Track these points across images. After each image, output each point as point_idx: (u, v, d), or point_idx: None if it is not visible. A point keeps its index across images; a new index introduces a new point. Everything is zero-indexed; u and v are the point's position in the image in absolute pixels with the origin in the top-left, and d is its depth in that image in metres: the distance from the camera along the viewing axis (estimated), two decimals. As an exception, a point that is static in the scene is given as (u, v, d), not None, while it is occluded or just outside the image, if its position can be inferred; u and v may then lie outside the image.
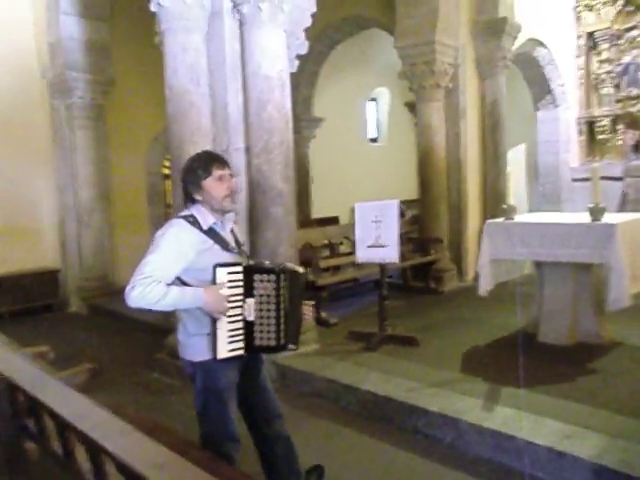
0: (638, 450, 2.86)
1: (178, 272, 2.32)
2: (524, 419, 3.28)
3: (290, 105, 4.82)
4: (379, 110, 13.38)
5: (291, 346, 2.46)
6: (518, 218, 4.79)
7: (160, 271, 2.25)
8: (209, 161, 2.44)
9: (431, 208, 7.45)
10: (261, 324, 2.37)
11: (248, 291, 2.36)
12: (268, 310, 2.36)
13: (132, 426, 1.57)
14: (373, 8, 8.40)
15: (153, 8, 4.56)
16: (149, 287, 2.20)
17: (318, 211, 10.67)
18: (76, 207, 7.77)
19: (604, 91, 9.87)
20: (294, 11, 4.73)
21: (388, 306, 5.20)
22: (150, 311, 2.36)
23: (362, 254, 5.03)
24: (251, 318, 2.36)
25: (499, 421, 3.29)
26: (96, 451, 1.53)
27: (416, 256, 7.30)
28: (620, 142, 9.74)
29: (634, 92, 9.55)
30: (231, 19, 4.61)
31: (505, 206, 4.79)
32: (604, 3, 9.61)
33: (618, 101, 9.74)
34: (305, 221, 9.04)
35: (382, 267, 5.12)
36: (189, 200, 2.46)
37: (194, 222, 2.37)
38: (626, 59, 9.59)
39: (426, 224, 7.51)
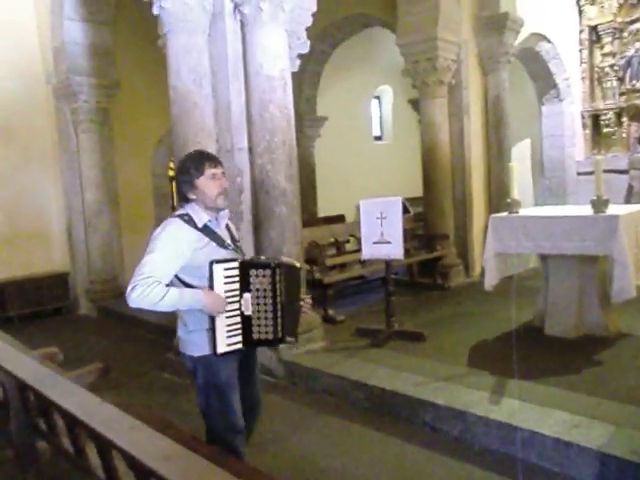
0: (645, 439, 2.87)
1: (176, 270, 2.37)
2: (531, 410, 3.30)
3: (292, 104, 4.84)
4: (383, 108, 13.38)
5: (289, 339, 2.51)
6: (522, 212, 4.80)
7: (159, 270, 2.30)
8: (201, 160, 2.49)
9: (436, 204, 7.45)
10: (258, 318, 2.41)
11: (245, 286, 2.40)
12: (265, 304, 2.40)
13: (141, 422, 1.60)
14: (375, 6, 8.41)
15: (156, 11, 4.60)
16: (149, 287, 2.25)
17: (324, 209, 10.69)
18: (83, 210, 7.83)
19: (608, 84, 9.83)
20: (295, 11, 4.75)
21: (395, 302, 5.23)
22: (157, 312, 2.40)
23: (367, 251, 5.05)
24: (248, 312, 2.41)
25: (506, 413, 3.31)
26: (105, 446, 1.56)
27: (422, 252, 7.32)
28: (625, 135, 9.70)
29: (638, 85, 9.51)
30: (233, 20, 4.64)
31: (509, 200, 4.80)
32: (606, -3, 9.58)
33: (622, 94, 9.71)
34: (311, 220, 9.05)
35: (387, 264, 5.14)
36: (184, 199, 2.51)
37: (189, 220, 2.42)
38: (629, 52, 9.55)
39: (431, 220, 7.52)
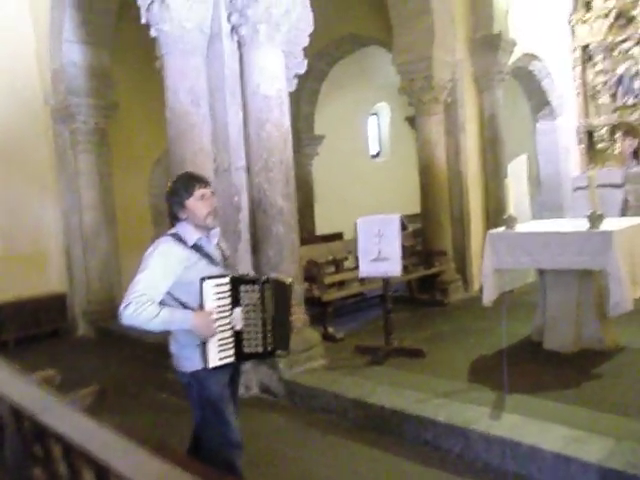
0: (645, 452, 2.86)
1: (168, 287, 2.45)
2: (531, 425, 3.29)
3: (289, 124, 4.88)
4: (380, 125, 13.48)
5: (279, 352, 2.60)
6: (519, 227, 4.82)
7: (151, 288, 2.39)
8: (190, 182, 2.60)
9: (434, 220, 7.48)
10: (249, 332, 2.48)
11: (235, 301, 2.47)
12: (254, 318, 2.48)
13: (137, 445, 1.59)
14: (371, 26, 8.53)
15: (153, 33, 4.66)
16: (143, 306, 2.33)
17: (322, 227, 10.71)
18: (81, 231, 7.83)
19: (601, 101, 9.96)
20: (292, 32, 4.82)
21: (394, 319, 5.22)
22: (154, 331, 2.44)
23: (365, 268, 5.05)
24: (239, 327, 2.48)
25: (506, 428, 3.29)
26: (102, 471, 1.55)
27: (420, 268, 7.33)
28: (619, 150, 9.77)
29: (630, 101, 9.64)
30: (230, 41, 4.69)
31: (506, 216, 4.82)
32: (597, 17, 9.74)
33: (615, 110, 9.82)
34: (309, 237, 9.07)
35: (386, 281, 5.14)
36: (175, 219, 2.61)
37: (179, 239, 2.51)
38: (620, 69, 9.68)
39: (430, 236, 7.54)
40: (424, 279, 7.34)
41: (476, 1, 7.77)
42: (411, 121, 10.90)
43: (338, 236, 9.74)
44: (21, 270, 7.67)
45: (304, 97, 10.44)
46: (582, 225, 4.37)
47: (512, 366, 4.32)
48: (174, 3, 4.44)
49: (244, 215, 4.75)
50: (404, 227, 5.11)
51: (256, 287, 2.48)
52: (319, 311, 5.81)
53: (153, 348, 6.17)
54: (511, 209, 4.80)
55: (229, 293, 2.46)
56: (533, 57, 9.25)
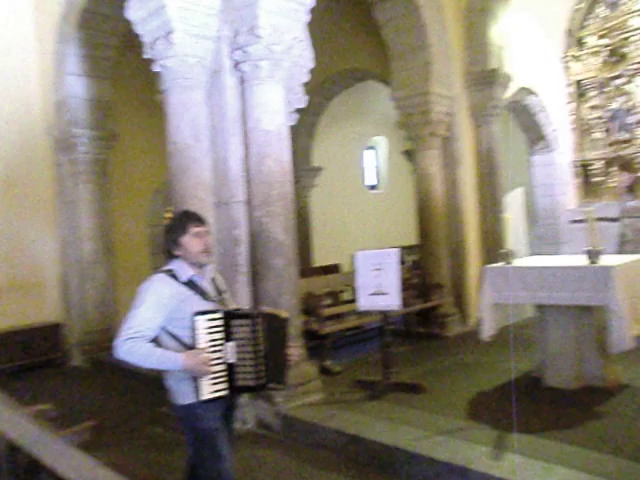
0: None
1: (162, 322, 2.50)
2: (533, 466, 3.25)
3: (289, 158, 4.92)
4: (378, 158, 13.62)
5: (272, 385, 2.61)
6: (517, 262, 4.83)
7: (145, 324, 2.45)
8: (186, 220, 2.66)
9: (431, 254, 7.50)
10: (244, 365, 2.50)
11: (228, 335, 2.50)
12: (247, 352, 2.49)
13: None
14: (368, 61, 8.71)
15: (157, 69, 4.74)
16: (138, 344, 2.40)
17: (319, 259, 10.72)
18: (79, 260, 7.81)
19: (595, 135, 10.10)
20: (292, 68, 4.90)
21: (392, 352, 5.19)
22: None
23: (364, 302, 5.05)
24: (232, 360, 2.49)
25: (507, 469, 3.25)
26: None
27: (418, 302, 7.31)
28: (614, 184, 9.88)
29: (624, 136, 9.77)
30: (231, 76, 4.77)
31: (503, 250, 4.84)
32: (590, 54, 9.96)
33: (610, 145, 9.95)
34: (306, 269, 9.06)
35: (384, 315, 5.13)
36: (170, 255, 2.65)
37: (173, 275, 2.57)
38: (614, 105, 9.84)
39: (427, 270, 7.55)
40: (422, 312, 7.32)
41: (472, 37, 7.93)
42: (408, 154, 11.03)
43: (335, 268, 9.74)
44: (18, 299, 7.63)
45: (302, 130, 10.57)
46: (580, 261, 4.39)
47: (512, 404, 4.28)
48: (179, 40, 4.52)
49: (243, 249, 4.75)
50: (402, 262, 5.12)
51: (248, 321, 2.51)
52: (316, 344, 5.78)
53: (148, 380, 6.12)
54: (509, 244, 4.82)
55: (222, 328, 2.49)
56: (528, 92, 9.41)
